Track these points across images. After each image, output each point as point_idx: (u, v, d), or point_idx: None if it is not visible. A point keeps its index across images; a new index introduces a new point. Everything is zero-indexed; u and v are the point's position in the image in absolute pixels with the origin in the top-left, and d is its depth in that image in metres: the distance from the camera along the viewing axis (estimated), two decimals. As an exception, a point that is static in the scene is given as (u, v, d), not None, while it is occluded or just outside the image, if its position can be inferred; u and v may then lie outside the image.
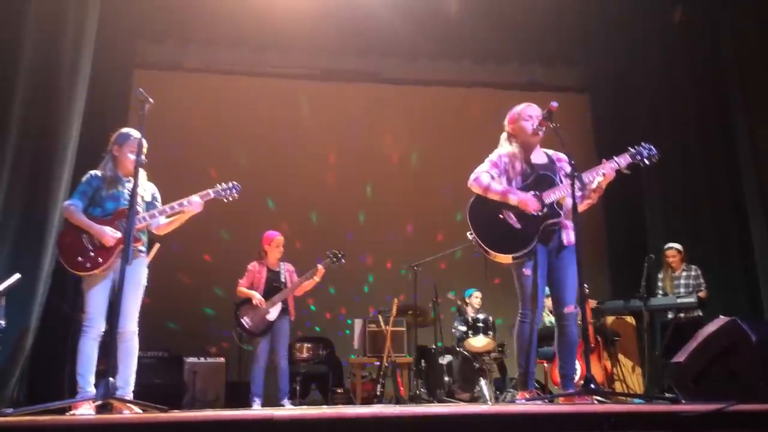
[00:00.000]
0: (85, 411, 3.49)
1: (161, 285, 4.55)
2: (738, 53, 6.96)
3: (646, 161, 3.75)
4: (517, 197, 3.68)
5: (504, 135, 3.94)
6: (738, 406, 2.65)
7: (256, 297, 5.79)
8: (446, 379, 6.56)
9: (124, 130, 4.08)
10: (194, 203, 4.02)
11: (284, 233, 6.19)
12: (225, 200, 4.21)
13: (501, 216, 3.72)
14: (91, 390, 3.68)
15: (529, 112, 3.85)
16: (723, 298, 6.75)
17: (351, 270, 8.15)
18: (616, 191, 7.78)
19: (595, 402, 3.32)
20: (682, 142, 7.58)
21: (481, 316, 6.79)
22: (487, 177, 3.78)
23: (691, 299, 6.39)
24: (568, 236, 3.74)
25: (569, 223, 3.75)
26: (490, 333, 6.70)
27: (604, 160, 3.69)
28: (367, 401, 6.43)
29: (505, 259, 3.69)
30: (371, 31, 7.57)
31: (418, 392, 6.44)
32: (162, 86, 7.40)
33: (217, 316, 7.76)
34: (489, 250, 3.70)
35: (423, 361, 6.83)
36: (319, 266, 5.88)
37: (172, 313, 7.63)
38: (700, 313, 6.40)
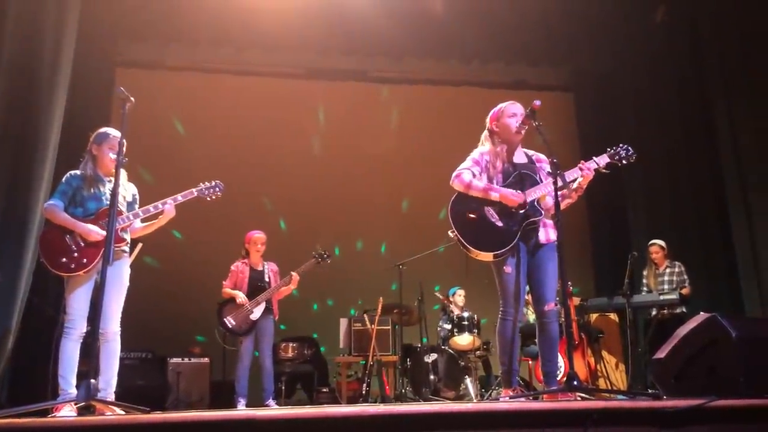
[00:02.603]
0: (67, 413, 3.45)
1: (144, 285, 4.51)
2: (719, 53, 7.04)
3: (624, 161, 3.81)
4: (498, 193, 3.70)
5: (485, 133, 3.94)
6: (718, 402, 2.67)
7: (240, 297, 5.77)
8: (431, 377, 6.57)
9: (104, 129, 4.05)
10: (167, 209, 4.00)
11: (269, 232, 6.16)
12: (208, 199, 4.21)
13: (483, 214, 3.73)
14: (73, 392, 3.64)
15: (512, 110, 3.86)
16: (705, 295, 6.83)
17: (336, 269, 8.15)
18: (600, 189, 7.91)
19: (578, 399, 3.33)
20: (665, 141, 7.67)
21: (465, 314, 6.82)
22: (468, 174, 3.79)
23: (674, 296, 6.46)
24: (546, 234, 3.76)
25: (548, 222, 3.78)
26: (475, 331, 6.74)
27: (582, 161, 3.71)
28: (352, 400, 6.43)
29: (487, 257, 3.70)
30: (357, 30, 7.54)
31: (403, 391, 6.46)
32: (144, 85, 7.38)
33: (201, 317, 7.71)
34: (470, 248, 3.71)
35: (408, 359, 6.84)
36: (293, 274, 5.86)
37: (155, 314, 7.56)
38: (684, 310, 6.45)
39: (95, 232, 3.80)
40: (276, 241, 6.25)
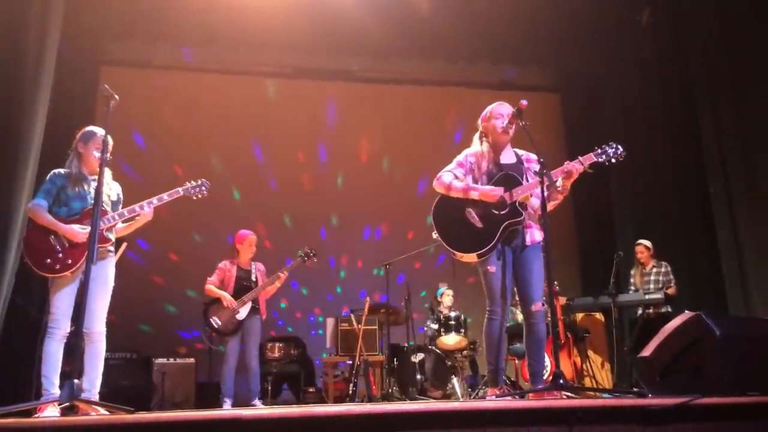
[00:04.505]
0: (50, 413, 3.42)
1: (130, 285, 4.49)
2: (704, 55, 7.09)
3: (613, 160, 3.77)
4: (478, 191, 3.72)
5: (477, 134, 3.97)
6: (702, 400, 2.69)
7: (227, 298, 5.73)
8: (418, 377, 6.56)
9: (89, 127, 4.02)
10: (147, 211, 3.98)
11: (255, 232, 6.14)
12: (194, 198, 4.21)
13: (464, 216, 3.75)
14: (56, 392, 3.61)
15: (500, 111, 3.88)
16: (690, 294, 6.88)
17: (323, 269, 8.16)
18: (586, 190, 7.97)
19: (564, 397, 3.35)
20: (651, 142, 7.72)
21: (452, 314, 6.83)
22: (449, 176, 3.84)
23: (659, 295, 6.50)
24: (532, 235, 3.78)
25: (532, 223, 3.80)
26: (462, 331, 6.74)
27: (567, 161, 3.72)
28: (339, 400, 6.42)
29: (470, 258, 3.73)
30: (343, 30, 7.54)
31: (390, 390, 6.44)
32: (130, 84, 7.33)
33: (186, 317, 7.68)
34: (453, 251, 3.74)
35: (395, 359, 6.83)
36: (280, 274, 5.85)
37: (140, 314, 7.52)
38: (669, 309, 6.50)
39: (78, 232, 3.76)
40: (265, 240, 6.22)
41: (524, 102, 3.69)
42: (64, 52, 6.08)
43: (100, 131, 3.93)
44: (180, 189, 4.14)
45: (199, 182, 4.23)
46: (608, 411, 2.69)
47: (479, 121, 3.98)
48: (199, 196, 4.22)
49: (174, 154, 7.94)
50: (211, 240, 7.65)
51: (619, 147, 3.78)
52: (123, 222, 4.05)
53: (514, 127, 3.80)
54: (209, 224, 7.77)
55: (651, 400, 2.83)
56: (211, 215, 7.44)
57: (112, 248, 3.99)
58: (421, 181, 8.02)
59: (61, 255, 3.75)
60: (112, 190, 4.06)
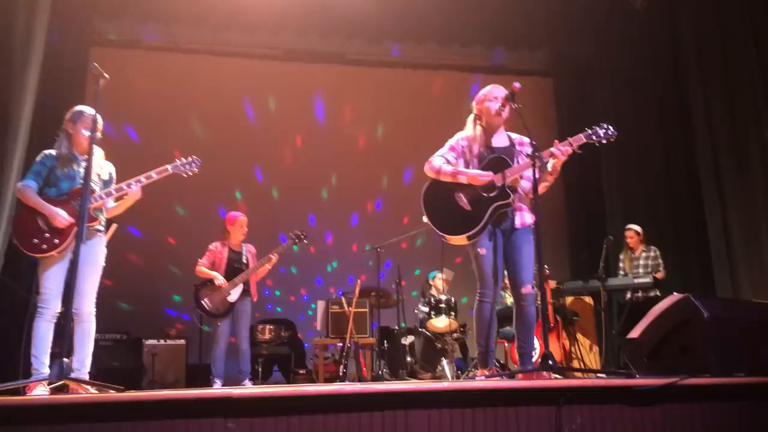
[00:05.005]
0: (40, 392, 3.42)
1: (121, 266, 4.46)
2: (697, 39, 7.09)
3: (604, 140, 3.73)
4: (466, 176, 3.73)
5: (471, 116, 3.97)
6: (689, 380, 2.73)
7: (219, 278, 5.72)
8: (409, 359, 6.60)
9: (79, 107, 3.98)
10: (133, 189, 3.92)
11: (246, 214, 6.12)
12: (185, 175, 4.09)
13: (454, 199, 3.78)
14: (46, 371, 3.61)
15: (494, 93, 3.88)
16: (679, 278, 6.93)
17: (314, 251, 8.16)
18: (577, 174, 7.99)
19: (553, 378, 3.38)
20: (643, 126, 7.74)
21: (443, 297, 6.85)
22: (439, 160, 3.85)
23: (647, 279, 6.55)
24: (522, 218, 3.79)
25: (523, 206, 3.82)
26: (452, 314, 6.77)
27: (555, 141, 3.71)
28: (329, 382, 6.44)
29: (460, 240, 3.75)
30: (336, 11, 7.47)
31: (380, 372, 6.48)
32: (120, 64, 7.25)
33: (177, 298, 7.68)
34: (442, 234, 3.77)
35: (386, 341, 6.86)
36: (271, 256, 5.84)
37: (131, 295, 7.51)
38: (658, 293, 6.53)
39: (61, 217, 3.74)
40: (255, 221, 6.19)
41: (517, 85, 3.70)
42: (53, 32, 6.00)
43: (89, 111, 3.88)
44: (168, 166, 4.04)
45: (190, 159, 4.11)
46: (596, 391, 2.73)
47: (473, 103, 3.97)
48: (190, 173, 4.10)
49: (162, 135, 7.87)
50: (202, 220, 7.58)
51: (610, 128, 3.75)
52: (114, 201, 4.02)
53: (507, 109, 3.79)
54: (200, 204, 7.76)
55: (638, 381, 2.86)
56: (203, 195, 7.46)
57: (100, 227, 3.96)
58: (414, 164, 8.01)
59: (47, 235, 3.74)
60: (103, 169, 4.02)
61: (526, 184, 3.81)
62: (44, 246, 3.73)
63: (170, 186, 4.22)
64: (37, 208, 3.76)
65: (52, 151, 3.90)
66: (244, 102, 8.44)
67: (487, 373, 3.69)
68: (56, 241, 3.73)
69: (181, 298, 7.55)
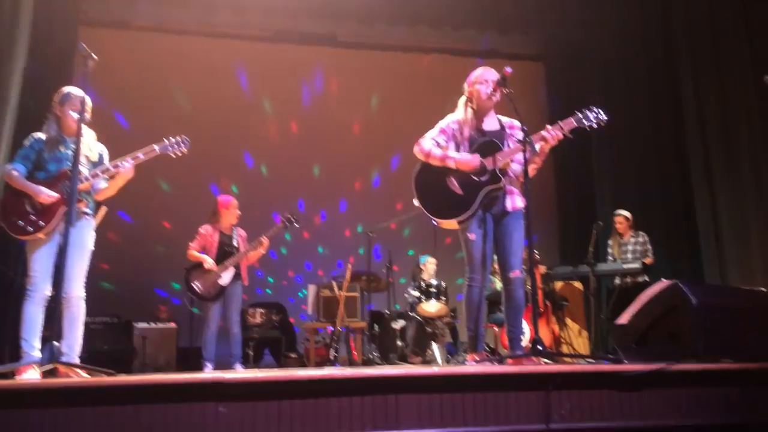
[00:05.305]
0: (30, 375, 3.41)
1: (111, 249, 4.43)
2: (688, 25, 7.09)
3: (594, 124, 3.71)
4: (454, 160, 3.73)
5: (462, 98, 3.95)
6: (677, 366, 2.75)
7: (208, 261, 5.70)
8: (399, 343, 6.63)
9: (66, 88, 3.91)
10: (125, 167, 3.83)
11: (235, 197, 6.09)
12: (173, 156, 3.98)
13: (445, 183, 3.76)
14: (36, 354, 3.59)
15: (485, 76, 3.85)
16: (667, 264, 6.98)
17: (305, 235, 8.15)
18: (567, 159, 8.01)
19: (543, 363, 3.40)
20: (633, 112, 7.75)
21: (434, 282, 6.88)
22: (429, 143, 3.83)
23: (636, 265, 6.58)
24: (513, 202, 3.79)
25: (514, 189, 3.81)
26: (443, 298, 6.80)
27: (547, 125, 3.70)
28: (320, 366, 6.46)
29: (450, 224, 3.76)
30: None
31: (371, 356, 6.50)
32: (109, 45, 7.15)
33: (168, 281, 7.66)
34: (433, 217, 3.78)
35: (376, 325, 6.88)
36: (262, 239, 5.80)
37: (120, 278, 7.48)
38: (646, 279, 6.57)
39: (44, 194, 3.69)
40: (244, 205, 6.16)
41: (508, 69, 3.68)
42: (41, 11, 5.92)
43: (77, 92, 3.83)
44: (156, 146, 3.91)
45: (178, 139, 3.98)
46: (585, 376, 2.75)
47: (465, 85, 3.95)
48: (179, 153, 3.98)
49: (151, 116, 7.80)
50: (191, 202, 7.52)
51: (601, 112, 3.72)
52: (106, 181, 3.97)
53: (498, 93, 3.77)
54: (192, 184, 7.72)
55: (627, 366, 2.88)
56: (193, 174, 7.46)
57: (88, 210, 3.91)
58: (404, 148, 7.98)
59: (33, 216, 3.69)
60: (92, 150, 3.94)
61: (517, 168, 3.80)
62: (29, 228, 3.68)
63: (161, 166, 4.15)
64: (23, 188, 3.72)
65: (41, 134, 3.85)
66: (234, 83, 8.37)
67: (477, 358, 3.71)
68: (41, 222, 3.68)
69: (175, 282, 7.53)
